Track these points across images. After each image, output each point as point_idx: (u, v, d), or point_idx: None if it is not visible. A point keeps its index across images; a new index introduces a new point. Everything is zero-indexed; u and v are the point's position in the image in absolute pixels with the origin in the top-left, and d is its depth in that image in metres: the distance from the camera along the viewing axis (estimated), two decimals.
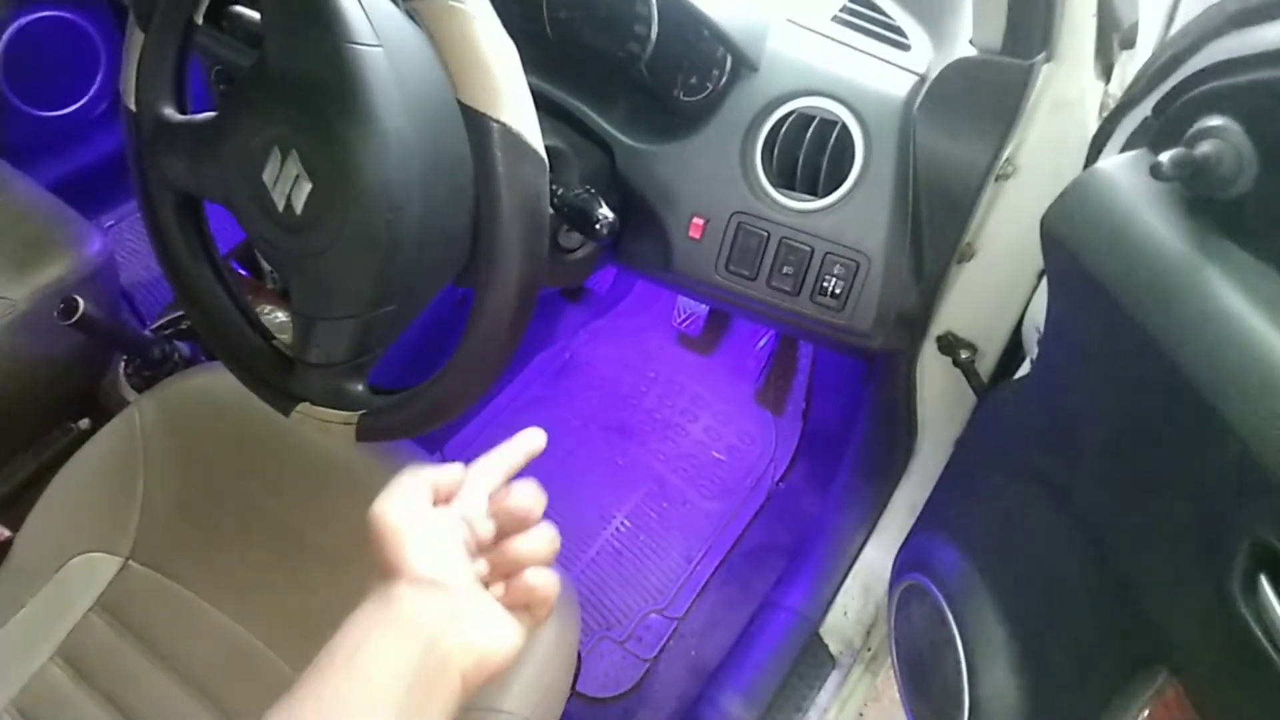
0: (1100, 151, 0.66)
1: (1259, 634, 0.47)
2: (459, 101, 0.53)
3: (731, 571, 1.27)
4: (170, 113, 0.69)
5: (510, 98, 0.53)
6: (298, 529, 0.86)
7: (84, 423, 1.05)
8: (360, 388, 0.67)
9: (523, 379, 1.45)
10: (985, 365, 0.90)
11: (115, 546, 0.85)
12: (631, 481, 1.36)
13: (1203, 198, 0.51)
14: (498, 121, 0.53)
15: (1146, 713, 0.60)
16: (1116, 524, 0.62)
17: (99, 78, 1.50)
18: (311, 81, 0.60)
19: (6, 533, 0.87)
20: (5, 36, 1.38)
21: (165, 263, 0.73)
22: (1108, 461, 0.62)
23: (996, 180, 0.74)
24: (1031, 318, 0.78)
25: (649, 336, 1.48)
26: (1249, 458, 0.48)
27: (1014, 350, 0.87)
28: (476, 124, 0.53)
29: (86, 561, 0.84)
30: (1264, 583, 0.47)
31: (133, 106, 0.68)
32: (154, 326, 1.06)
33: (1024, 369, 0.80)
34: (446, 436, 1.35)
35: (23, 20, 1.40)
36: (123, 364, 1.06)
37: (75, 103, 1.48)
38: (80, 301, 0.88)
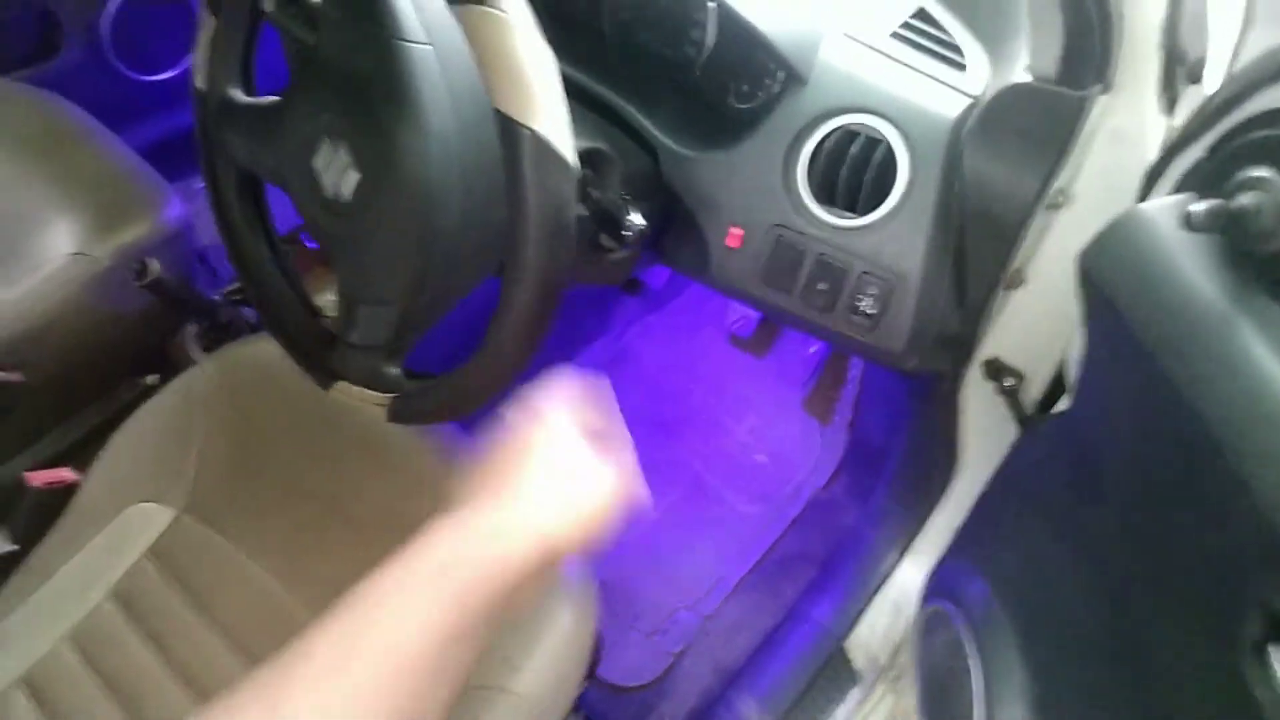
0: (1152, 188, 0.64)
1: (1264, 705, 0.46)
2: (494, 108, 0.55)
3: (763, 576, 1.27)
4: (236, 94, 0.73)
5: (543, 106, 0.54)
6: (337, 498, 0.90)
7: (152, 378, 1.11)
8: (395, 371, 0.70)
9: (573, 367, 1.47)
10: (1030, 394, 0.88)
11: (170, 499, 0.90)
12: (672, 477, 1.37)
13: (1241, 249, 0.50)
14: (528, 129, 0.54)
15: None
16: (1134, 576, 0.61)
17: None
18: (362, 75, 0.62)
19: (74, 476, 0.93)
20: (114, 3, 1.46)
21: (225, 237, 0.77)
22: (1129, 511, 0.61)
23: (1048, 209, 0.72)
24: (1073, 351, 0.76)
25: (701, 334, 1.49)
26: (1265, 523, 0.47)
27: (1060, 381, 0.85)
28: (508, 130, 0.55)
29: (143, 510, 0.90)
30: (1272, 655, 0.46)
31: (202, 86, 0.72)
32: (225, 292, 1.12)
33: (1062, 404, 0.78)
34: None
35: None
36: (192, 325, 1.12)
37: (173, 69, 1.56)
38: (153, 264, 0.94)
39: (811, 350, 1.42)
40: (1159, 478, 0.57)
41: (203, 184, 1.62)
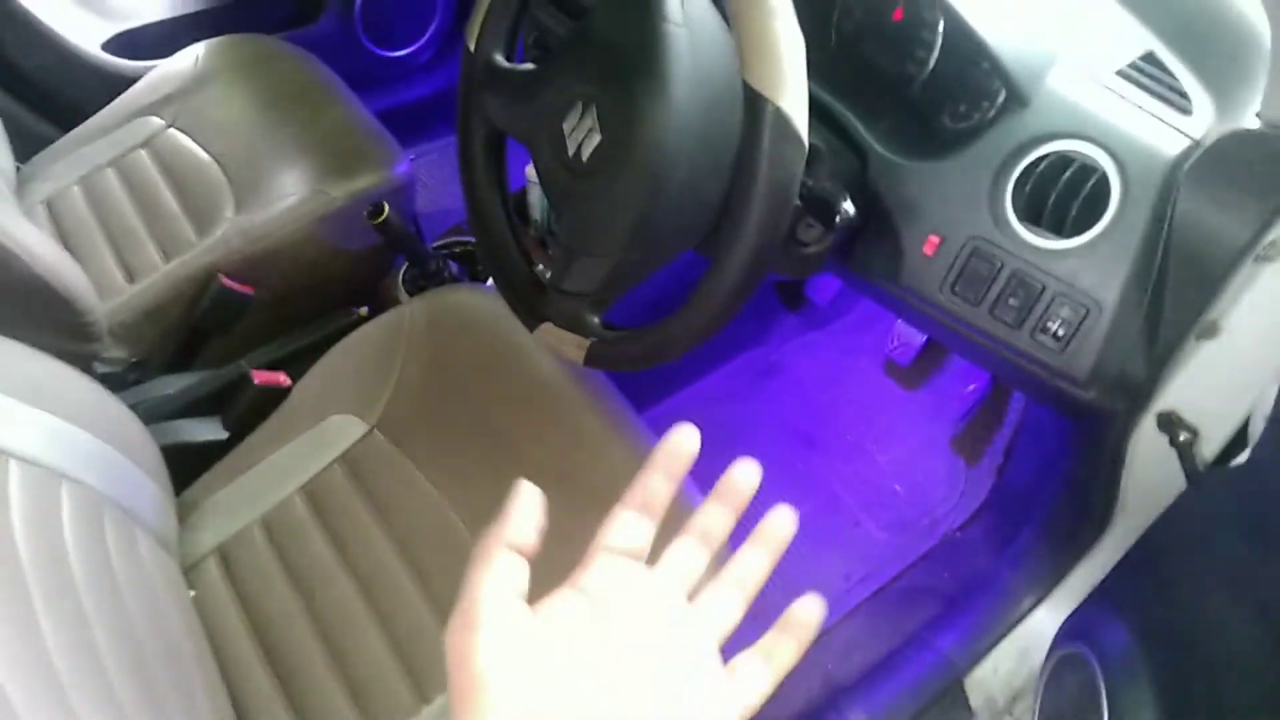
0: None
1: None
2: (744, 81, 0.61)
3: (886, 603, 1.27)
4: (499, 59, 0.81)
5: (790, 86, 0.60)
6: (512, 440, 0.97)
7: (363, 310, 1.23)
8: (596, 320, 0.77)
9: (725, 371, 1.51)
10: (1205, 452, 0.86)
11: (366, 414, 0.99)
12: (807, 491, 1.39)
13: None
14: (774, 103, 0.59)
15: None
16: None
17: (432, 28, 1.73)
18: (624, 50, 0.70)
19: (288, 382, 1.04)
20: None
21: (466, 183, 0.86)
22: None
23: (1256, 260, 0.72)
24: (1261, 406, 0.75)
25: (858, 359, 1.51)
26: None
27: (1240, 442, 0.83)
28: (755, 103, 0.60)
29: (341, 421, 0.99)
30: None
31: (472, 47, 0.81)
32: (434, 245, 1.23)
33: (1241, 458, 0.77)
34: (646, 406, 1.44)
35: None
36: (403, 270, 1.23)
37: (408, 47, 1.72)
38: (386, 206, 1.05)
39: (969, 389, 1.41)
40: None
41: (417, 155, 1.78)
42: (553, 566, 0.86)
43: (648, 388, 1.46)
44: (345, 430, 0.99)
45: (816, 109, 0.86)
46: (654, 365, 0.73)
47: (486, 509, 0.92)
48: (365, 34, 1.65)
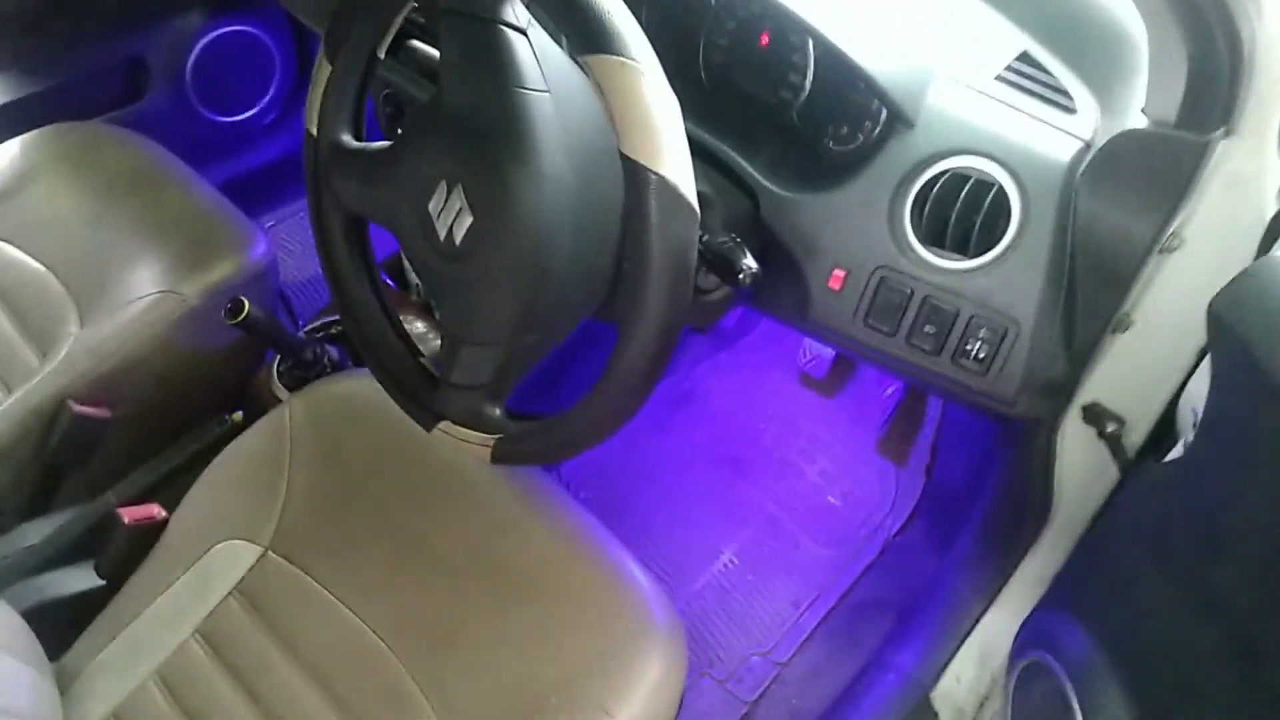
0: (1277, 236, 0.62)
1: None
2: (620, 152, 0.55)
3: (839, 623, 1.24)
4: (347, 139, 0.74)
5: (671, 152, 0.55)
6: (425, 536, 0.90)
7: (237, 415, 1.13)
8: (498, 412, 0.70)
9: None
10: (1132, 440, 0.85)
11: (257, 536, 0.90)
12: (742, 518, 1.35)
13: None
14: (656, 174, 0.54)
15: None
16: (1268, 633, 0.58)
17: (272, 89, 1.62)
18: (482, 121, 0.63)
19: (163, 513, 0.94)
20: (197, 48, 1.51)
21: (330, 277, 0.78)
22: (1264, 567, 0.58)
23: (1160, 253, 0.71)
24: (1189, 399, 0.74)
25: (772, 373, 1.47)
26: None
27: (1164, 427, 0.83)
28: (635, 175, 0.55)
29: (230, 548, 0.90)
30: None
31: (314, 131, 0.73)
32: (307, 329, 1.13)
33: (1176, 451, 0.76)
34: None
35: (213, 33, 1.52)
36: (276, 362, 1.13)
37: (249, 110, 1.60)
38: (246, 303, 0.95)
39: (888, 392, 1.40)
40: None
41: (275, 222, 1.67)
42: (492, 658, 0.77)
43: None
44: (236, 558, 0.90)
45: (697, 150, 0.81)
46: (571, 456, 0.67)
47: (404, 619, 0.86)
48: (200, 102, 1.53)
